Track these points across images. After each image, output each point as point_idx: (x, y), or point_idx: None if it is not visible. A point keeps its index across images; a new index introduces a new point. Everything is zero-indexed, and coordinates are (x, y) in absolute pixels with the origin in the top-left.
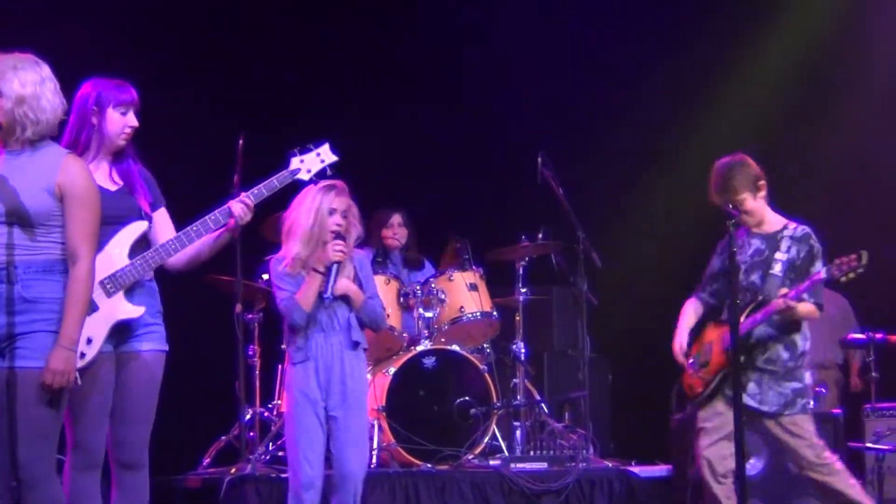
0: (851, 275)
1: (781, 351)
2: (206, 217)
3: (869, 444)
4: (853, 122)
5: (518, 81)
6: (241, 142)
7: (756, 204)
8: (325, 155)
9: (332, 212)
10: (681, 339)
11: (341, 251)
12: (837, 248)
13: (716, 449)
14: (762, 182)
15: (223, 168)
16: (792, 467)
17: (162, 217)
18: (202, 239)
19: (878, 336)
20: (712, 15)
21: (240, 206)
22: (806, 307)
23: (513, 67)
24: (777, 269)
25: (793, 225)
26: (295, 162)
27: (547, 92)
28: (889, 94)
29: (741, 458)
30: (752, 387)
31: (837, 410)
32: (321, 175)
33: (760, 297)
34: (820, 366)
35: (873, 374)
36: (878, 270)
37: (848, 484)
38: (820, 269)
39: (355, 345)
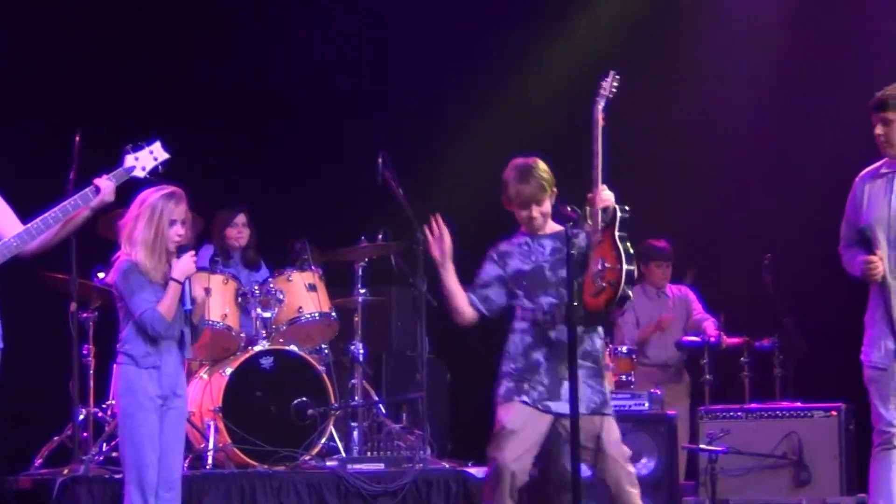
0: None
1: (597, 339)
2: (65, 202)
3: (702, 446)
4: None
5: (356, 82)
6: (77, 139)
7: (544, 210)
8: (157, 152)
9: (172, 223)
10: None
11: (195, 262)
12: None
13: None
14: (554, 188)
15: (54, 165)
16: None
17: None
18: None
19: (712, 339)
20: None
21: (106, 182)
22: None
23: (349, 68)
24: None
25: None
26: (129, 159)
27: (384, 93)
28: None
29: (576, 460)
30: (565, 390)
31: (672, 412)
32: (154, 172)
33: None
34: (663, 365)
35: (707, 376)
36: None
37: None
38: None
39: (183, 355)
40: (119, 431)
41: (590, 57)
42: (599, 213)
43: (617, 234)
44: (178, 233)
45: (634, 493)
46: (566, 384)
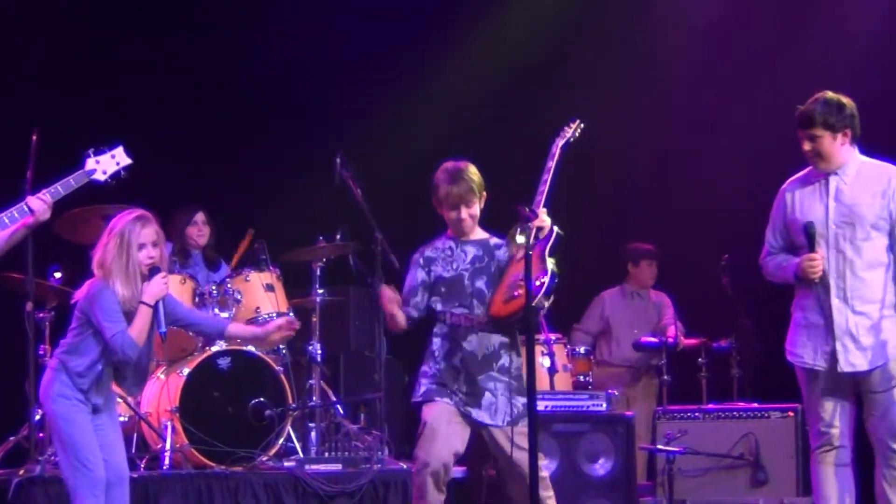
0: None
1: (515, 357)
2: (1, 214)
3: (660, 447)
4: None
5: (316, 80)
6: (34, 138)
7: (472, 214)
8: (119, 157)
9: (141, 247)
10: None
11: (168, 283)
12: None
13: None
14: (483, 192)
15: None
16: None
17: None
18: None
19: (670, 340)
20: None
21: (38, 202)
22: None
23: (309, 67)
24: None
25: (494, 239)
26: (90, 163)
27: (343, 92)
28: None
29: (535, 458)
30: (486, 400)
31: (630, 413)
32: (116, 177)
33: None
34: (625, 367)
35: (665, 376)
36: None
37: None
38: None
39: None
40: (54, 437)
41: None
42: (534, 229)
43: (548, 250)
44: (148, 255)
45: (548, 496)
46: (487, 395)
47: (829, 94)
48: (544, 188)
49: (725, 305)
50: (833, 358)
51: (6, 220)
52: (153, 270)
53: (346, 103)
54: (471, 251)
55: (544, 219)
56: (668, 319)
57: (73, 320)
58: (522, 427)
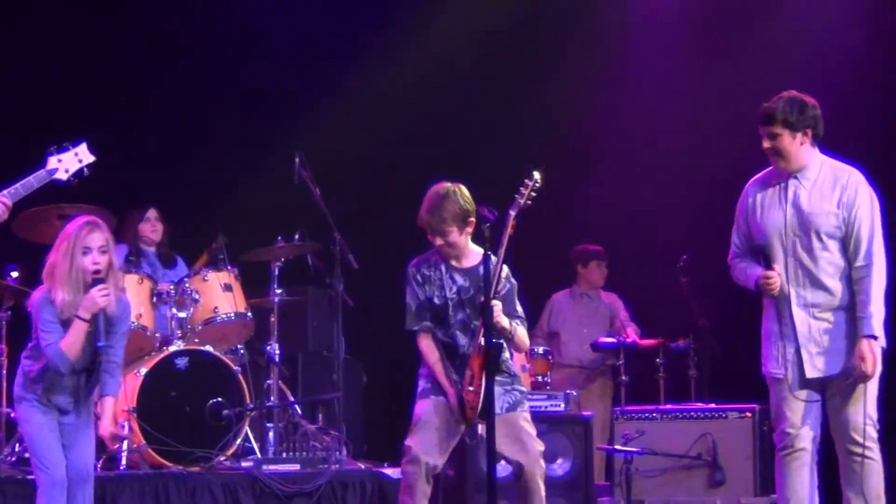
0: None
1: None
2: None
3: (618, 447)
4: None
5: (273, 81)
6: None
7: (461, 239)
8: (82, 154)
9: (86, 251)
10: (452, 392)
11: (107, 296)
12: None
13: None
14: (471, 219)
15: None
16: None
17: None
18: None
19: (628, 340)
20: None
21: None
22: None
23: (267, 67)
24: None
25: (494, 258)
26: (52, 161)
27: (300, 93)
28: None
29: (493, 460)
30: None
31: (588, 413)
32: (79, 175)
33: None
34: (569, 366)
35: (623, 377)
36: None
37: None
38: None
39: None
40: (22, 437)
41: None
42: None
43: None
44: (93, 261)
45: (542, 487)
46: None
47: (793, 93)
48: (499, 269)
49: (683, 306)
50: (797, 364)
51: None
52: (95, 282)
53: (304, 101)
54: (459, 280)
55: (500, 319)
56: (623, 320)
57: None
58: (525, 412)
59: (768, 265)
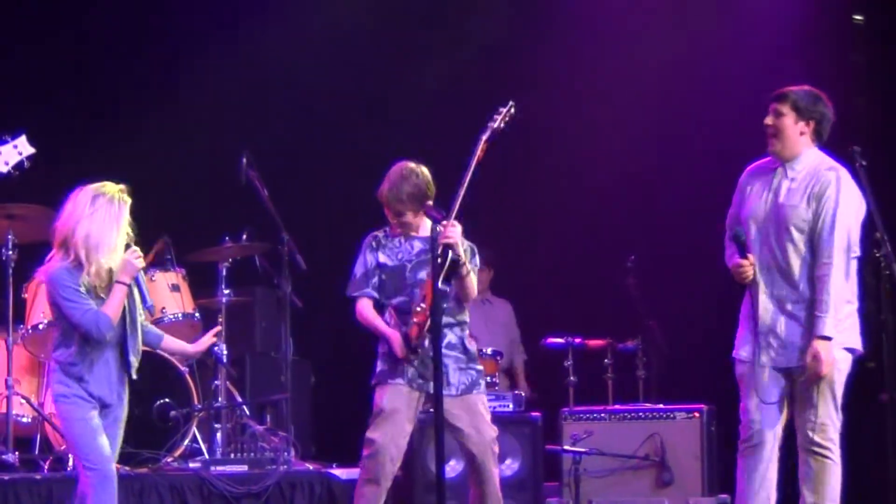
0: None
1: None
2: None
3: (566, 447)
4: None
5: (222, 75)
6: None
7: (415, 221)
8: (22, 147)
9: (116, 219)
10: (398, 339)
11: (140, 258)
12: None
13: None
14: (429, 202)
15: None
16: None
17: None
18: None
19: (577, 341)
20: None
21: None
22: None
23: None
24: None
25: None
26: None
27: (249, 92)
28: None
29: (442, 460)
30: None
31: (536, 413)
32: (19, 167)
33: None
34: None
35: (571, 377)
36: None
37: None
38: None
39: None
40: (64, 438)
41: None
42: (440, 246)
43: (441, 279)
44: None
45: (496, 473)
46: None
47: (812, 88)
48: (461, 192)
49: (631, 306)
50: (756, 353)
51: None
52: (125, 247)
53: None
54: (417, 244)
55: (450, 234)
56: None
57: (53, 315)
58: (482, 394)
59: (742, 253)
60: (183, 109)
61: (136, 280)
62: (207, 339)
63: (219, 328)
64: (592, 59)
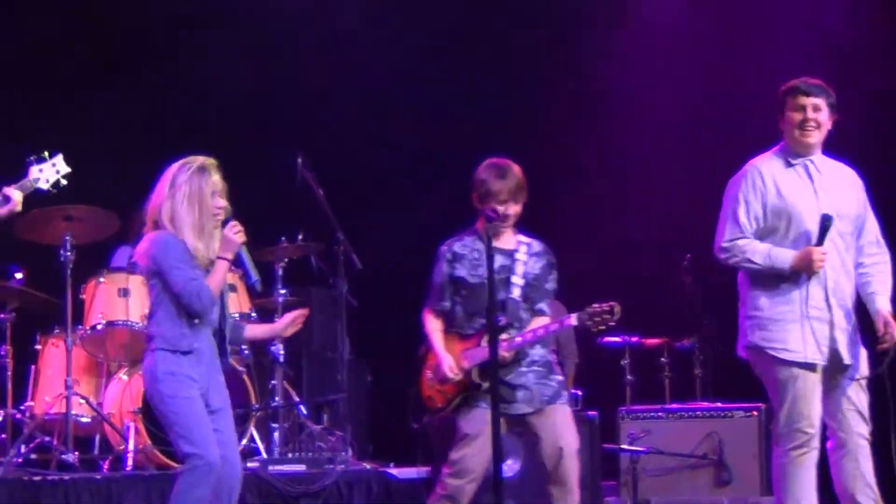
0: (602, 327)
1: (539, 348)
2: None
3: (624, 446)
4: None
5: (278, 80)
6: None
7: (516, 215)
8: (59, 166)
9: (212, 195)
10: (448, 361)
11: (240, 232)
12: None
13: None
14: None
15: None
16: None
17: None
18: None
19: (634, 340)
20: None
21: (18, 193)
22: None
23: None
24: (517, 293)
25: (526, 239)
26: (34, 171)
27: (310, 88)
28: None
29: (499, 459)
30: (521, 394)
31: (593, 412)
32: (56, 186)
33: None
34: None
35: (628, 376)
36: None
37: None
38: (571, 316)
39: (223, 339)
40: (164, 420)
41: None
42: None
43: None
44: (218, 205)
45: (577, 488)
46: (519, 391)
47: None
48: None
49: (688, 305)
50: (833, 351)
51: None
52: (223, 222)
53: (311, 99)
54: (498, 260)
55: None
56: None
57: (150, 291)
58: (565, 404)
59: (822, 240)
60: (239, 112)
61: (239, 255)
62: (299, 316)
63: (307, 310)
64: (651, 59)
